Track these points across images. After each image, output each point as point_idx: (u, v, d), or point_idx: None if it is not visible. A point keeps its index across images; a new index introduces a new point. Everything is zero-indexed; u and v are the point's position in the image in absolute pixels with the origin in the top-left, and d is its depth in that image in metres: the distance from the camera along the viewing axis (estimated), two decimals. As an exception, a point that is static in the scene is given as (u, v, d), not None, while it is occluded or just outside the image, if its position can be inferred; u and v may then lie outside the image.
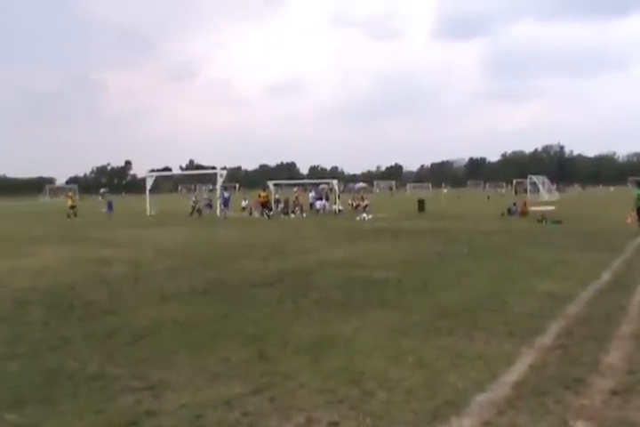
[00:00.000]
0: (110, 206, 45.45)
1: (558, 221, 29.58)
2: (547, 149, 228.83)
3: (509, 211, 37.04)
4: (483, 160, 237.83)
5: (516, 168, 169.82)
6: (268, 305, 9.84)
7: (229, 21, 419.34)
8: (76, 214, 42.73)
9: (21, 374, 6.37)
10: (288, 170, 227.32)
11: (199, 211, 43.19)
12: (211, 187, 65.95)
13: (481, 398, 5.49)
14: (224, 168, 60.86)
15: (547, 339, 7.52)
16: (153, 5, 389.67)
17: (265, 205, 41.25)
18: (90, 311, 9.58)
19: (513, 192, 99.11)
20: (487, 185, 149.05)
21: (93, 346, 7.46)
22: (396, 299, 10.22)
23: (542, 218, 30.72)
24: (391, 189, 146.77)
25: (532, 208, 34.26)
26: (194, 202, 44.29)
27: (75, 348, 7.38)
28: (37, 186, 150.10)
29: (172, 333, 8.08)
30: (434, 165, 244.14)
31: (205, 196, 45.03)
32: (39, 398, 5.61)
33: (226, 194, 44.64)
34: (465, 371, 6.23)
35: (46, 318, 9.12)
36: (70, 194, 49.74)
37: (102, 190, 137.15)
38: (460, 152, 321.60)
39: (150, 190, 49.43)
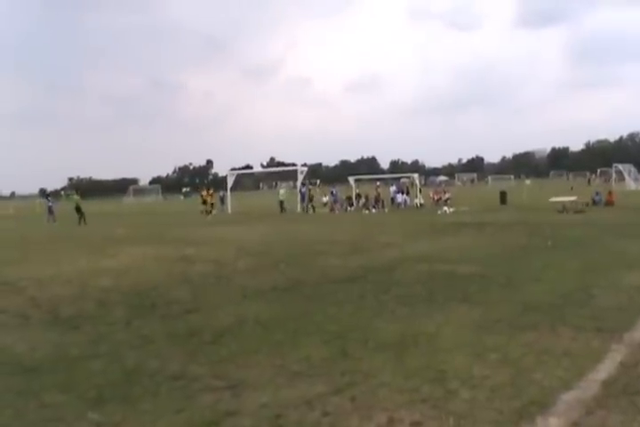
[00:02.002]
0: (222, 201, 49.61)
1: (580, 212, 29.65)
2: (632, 136, 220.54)
3: (594, 201, 36.11)
4: (565, 150, 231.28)
5: (600, 157, 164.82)
6: (350, 302, 9.73)
7: (305, 17, 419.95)
8: (209, 211, 43.87)
9: (103, 373, 6.44)
10: (369, 165, 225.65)
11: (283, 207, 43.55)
12: (292, 184, 66.30)
13: (568, 397, 5.26)
14: (304, 165, 61.36)
15: (637, 335, 7.20)
16: (227, 6, 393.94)
17: (311, 199, 45.10)
18: (172, 310, 9.65)
19: (587, 182, 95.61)
20: (571, 175, 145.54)
21: (175, 345, 7.49)
22: (479, 294, 9.99)
23: (563, 209, 30.44)
24: (472, 181, 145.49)
25: (552, 199, 33.55)
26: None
27: (156, 347, 7.44)
28: (122, 187, 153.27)
29: (253, 331, 8.06)
30: (516, 156, 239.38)
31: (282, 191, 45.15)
32: (120, 397, 5.65)
33: (303, 189, 45.21)
34: (551, 368, 5.99)
35: (128, 317, 9.22)
36: (204, 193, 47.31)
37: (184, 190, 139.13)
38: (542, 142, 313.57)
39: (232, 188, 50.03)
